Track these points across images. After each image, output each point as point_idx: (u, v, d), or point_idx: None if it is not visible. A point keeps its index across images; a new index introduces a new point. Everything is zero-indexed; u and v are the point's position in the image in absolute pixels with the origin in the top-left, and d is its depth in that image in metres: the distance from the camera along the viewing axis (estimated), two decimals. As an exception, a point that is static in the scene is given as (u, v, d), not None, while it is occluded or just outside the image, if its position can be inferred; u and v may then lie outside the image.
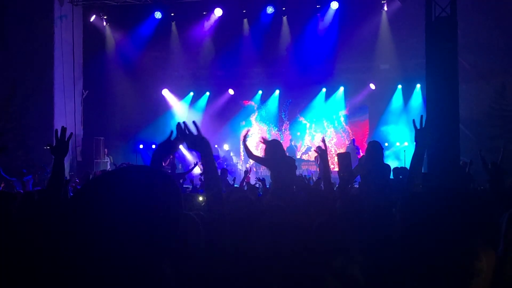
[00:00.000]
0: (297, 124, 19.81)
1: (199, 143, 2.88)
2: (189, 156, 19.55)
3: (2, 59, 17.23)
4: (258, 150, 15.56)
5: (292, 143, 19.18)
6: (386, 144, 16.58)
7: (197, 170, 17.69)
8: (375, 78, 18.67)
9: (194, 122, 2.94)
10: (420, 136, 3.83)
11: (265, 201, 4.93)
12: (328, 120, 19.68)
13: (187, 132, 2.88)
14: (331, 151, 17.75)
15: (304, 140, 19.78)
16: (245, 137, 7.79)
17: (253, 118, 20.27)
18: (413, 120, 4.01)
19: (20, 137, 17.12)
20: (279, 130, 19.83)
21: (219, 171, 15.73)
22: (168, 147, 3.19)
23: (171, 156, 16.54)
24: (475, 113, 16.11)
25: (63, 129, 3.77)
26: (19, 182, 12.33)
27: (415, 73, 16.42)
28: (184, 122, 2.89)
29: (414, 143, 3.86)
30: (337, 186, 6.14)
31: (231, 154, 19.52)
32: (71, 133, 3.99)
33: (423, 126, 3.86)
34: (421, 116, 3.97)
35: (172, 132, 3.21)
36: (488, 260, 2.86)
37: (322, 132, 19.56)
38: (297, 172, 7.95)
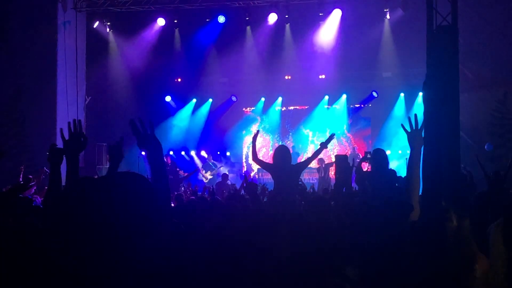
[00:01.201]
0: (299, 134, 19.73)
1: (149, 142, 2.74)
2: (198, 161, 19.57)
3: (5, 65, 17.30)
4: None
5: (295, 150, 18.99)
6: (389, 152, 16.52)
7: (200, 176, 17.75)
8: (378, 86, 18.66)
9: (150, 122, 2.82)
10: (412, 138, 3.70)
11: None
12: (330, 128, 19.61)
13: (140, 130, 2.76)
14: (332, 159, 17.69)
15: (306, 150, 19.58)
16: (255, 136, 7.65)
17: (254, 127, 20.14)
18: (402, 125, 3.87)
19: (23, 143, 17.19)
20: (281, 139, 19.70)
21: (220, 177, 15.69)
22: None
23: (168, 161, 16.55)
24: (476, 121, 16.08)
25: (75, 123, 3.59)
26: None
27: (418, 81, 16.39)
28: (139, 118, 2.78)
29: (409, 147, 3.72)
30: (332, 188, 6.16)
31: (232, 160, 19.50)
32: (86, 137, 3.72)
33: (414, 127, 3.74)
34: (415, 115, 3.80)
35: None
36: (481, 265, 2.86)
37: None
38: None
